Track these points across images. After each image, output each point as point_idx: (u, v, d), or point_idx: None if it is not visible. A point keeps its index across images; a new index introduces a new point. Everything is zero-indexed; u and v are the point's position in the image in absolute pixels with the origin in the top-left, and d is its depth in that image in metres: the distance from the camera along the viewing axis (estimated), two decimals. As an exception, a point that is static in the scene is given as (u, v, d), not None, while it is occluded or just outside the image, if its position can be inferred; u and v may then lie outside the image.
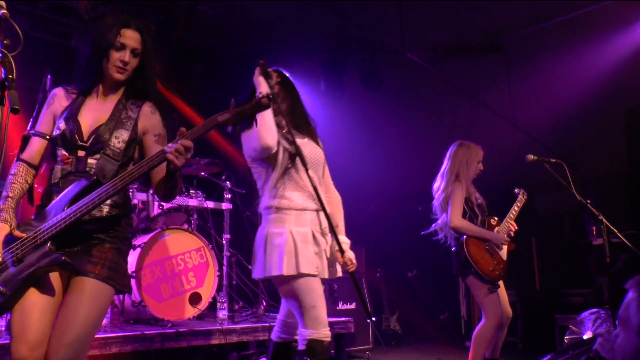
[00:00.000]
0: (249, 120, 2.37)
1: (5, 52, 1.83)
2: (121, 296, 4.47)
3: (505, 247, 4.28)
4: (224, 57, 7.08)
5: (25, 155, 2.44)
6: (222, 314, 4.72)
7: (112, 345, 3.61)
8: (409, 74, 7.17)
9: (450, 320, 7.95)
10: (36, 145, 2.45)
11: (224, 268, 5.22)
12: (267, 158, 2.94)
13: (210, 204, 5.37)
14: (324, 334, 2.85)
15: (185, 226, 5.16)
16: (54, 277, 2.27)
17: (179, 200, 5.15)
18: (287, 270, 2.79)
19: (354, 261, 3.01)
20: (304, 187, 2.96)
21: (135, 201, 5.17)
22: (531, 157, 4.34)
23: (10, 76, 1.80)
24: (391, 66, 6.96)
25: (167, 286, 4.54)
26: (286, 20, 6.35)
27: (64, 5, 5.70)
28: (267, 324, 4.59)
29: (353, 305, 6.51)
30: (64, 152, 2.38)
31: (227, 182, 5.49)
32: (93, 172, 2.35)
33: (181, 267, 4.64)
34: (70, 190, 2.28)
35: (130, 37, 2.45)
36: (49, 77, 4.19)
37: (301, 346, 2.86)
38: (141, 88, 2.56)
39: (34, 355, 2.12)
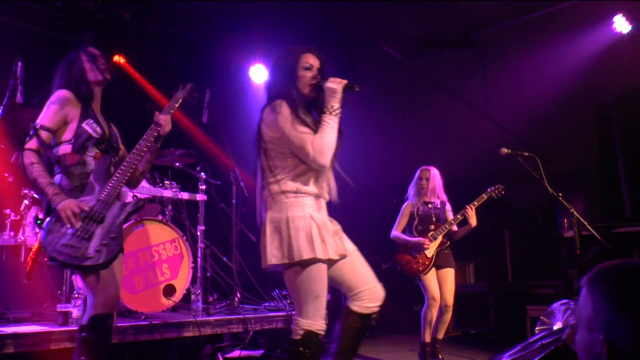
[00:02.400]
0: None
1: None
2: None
3: (433, 245, 5.13)
4: (199, 47, 7.02)
5: (35, 146, 2.92)
6: (196, 306, 4.70)
7: (85, 337, 3.57)
8: (385, 67, 7.19)
9: (423, 312, 8.03)
10: (44, 138, 2.95)
11: (199, 260, 5.18)
12: None
13: (184, 195, 5.33)
14: (321, 326, 2.84)
15: (160, 217, 5.12)
16: None
17: (154, 191, 5.11)
18: (320, 253, 2.73)
19: None
20: (319, 174, 2.91)
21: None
22: (504, 150, 4.40)
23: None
24: (367, 59, 6.97)
25: (141, 278, 4.50)
26: (262, 12, 6.31)
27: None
28: (242, 316, 4.59)
29: (327, 297, 6.53)
30: (97, 150, 3.06)
31: (202, 174, 5.44)
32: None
33: (155, 259, 4.61)
34: (100, 168, 3.03)
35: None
36: (19, 64, 4.12)
37: (295, 335, 2.82)
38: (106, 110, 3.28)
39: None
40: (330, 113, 2.86)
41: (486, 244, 8.29)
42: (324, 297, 2.86)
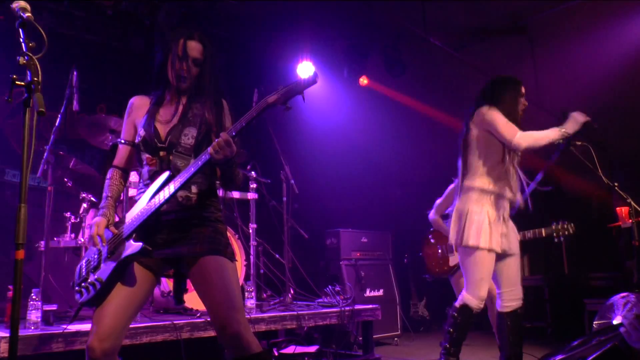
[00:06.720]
0: (296, 96, 2.42)
1: (31, 54, 1.86)
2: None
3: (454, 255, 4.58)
4: (246, 47, 7.09)
5: (116, 162, 2.71)
6: (250, 303, 4.76)
7: (143, 335, 3.69)
8: (433, 58, 7.11)
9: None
10: (123, 152, 2.71)
11: (251, 257, 5.26)
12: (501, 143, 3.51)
13: (235, 194, 5.40)
14: (477, 305, 3.49)
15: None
16: (141, 273, 2.47)
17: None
18: (482, 243, 3.38)
19: None
20: (508, 176, 3.53)
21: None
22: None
23: (35, 79, 1.83)
24: (414, 51, 6.90)
25: (196, 276, 4.58)
26: (309, 8, 6.32)
27: (87, 1, 5.76)
28: (295, 313, 4.63)
29: (381, 292, 6.52)
30: (147, 155, 2.59)
31: (252, 172, 5.51)
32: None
33: (209, 258, 4.67)
34: (151, 187, 2.49)
35: (193, 47, 2.62)
36: (74, 73, 4.25)
37: (458, 302, 3.53)
38: (201, 91, 2.69)
39: (102, 346, 2.31)
40: (560, 130, 3.52)
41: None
42: (487, 281, 3.47)
